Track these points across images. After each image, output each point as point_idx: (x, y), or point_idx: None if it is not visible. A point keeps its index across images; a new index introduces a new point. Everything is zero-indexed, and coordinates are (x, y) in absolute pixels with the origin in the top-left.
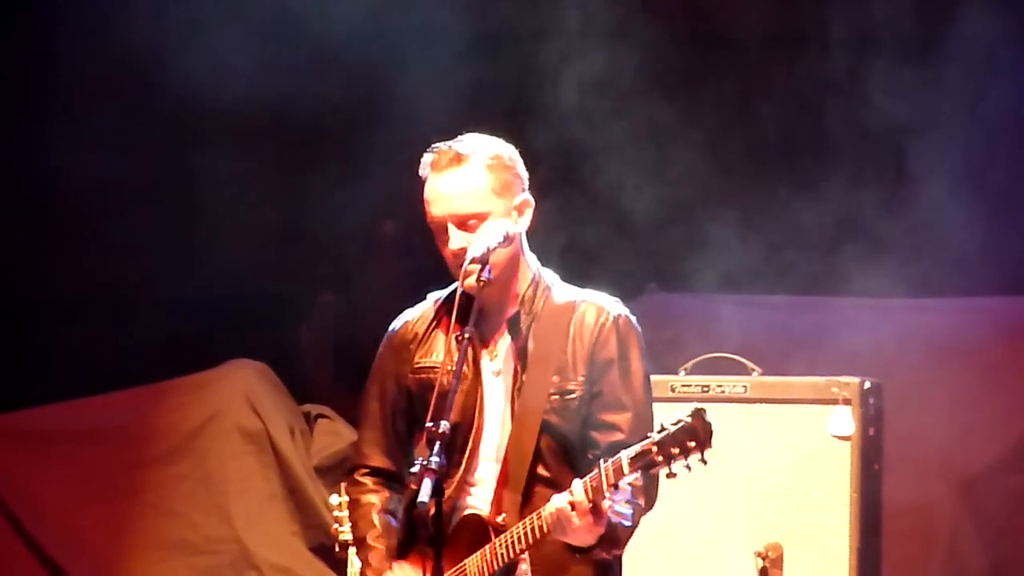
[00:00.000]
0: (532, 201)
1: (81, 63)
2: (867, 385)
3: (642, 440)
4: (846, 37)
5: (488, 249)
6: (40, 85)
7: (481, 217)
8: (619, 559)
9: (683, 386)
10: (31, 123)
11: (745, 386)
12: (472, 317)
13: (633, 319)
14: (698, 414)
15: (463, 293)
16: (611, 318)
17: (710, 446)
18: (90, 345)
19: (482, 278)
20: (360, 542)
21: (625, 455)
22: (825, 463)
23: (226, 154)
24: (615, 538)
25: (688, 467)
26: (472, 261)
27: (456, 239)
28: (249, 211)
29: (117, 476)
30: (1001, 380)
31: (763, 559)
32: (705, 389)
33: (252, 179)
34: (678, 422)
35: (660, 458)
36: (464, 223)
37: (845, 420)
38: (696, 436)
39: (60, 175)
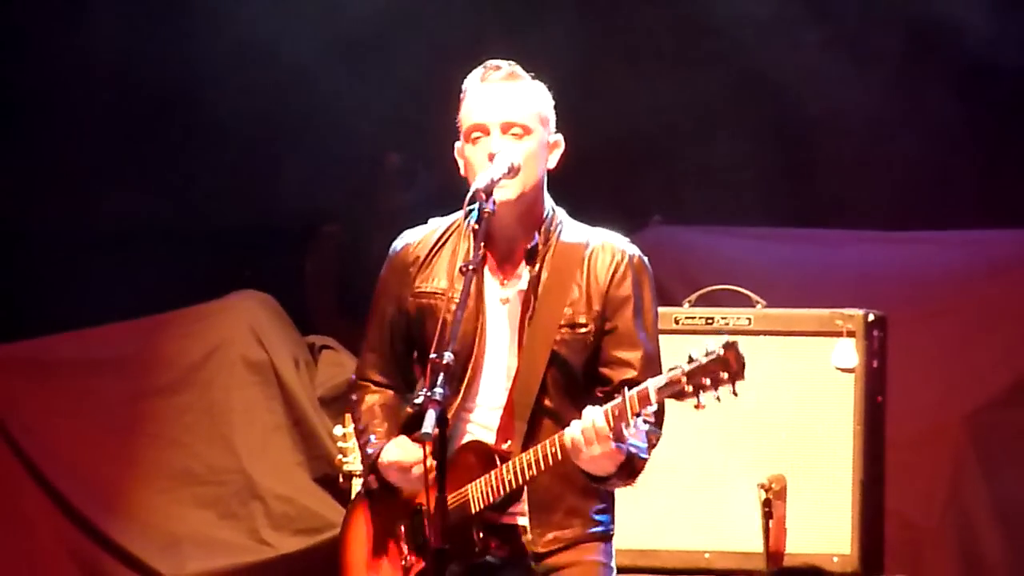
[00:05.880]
0: (563, 144)
1: None
2: (871, 317)
3: (670, 370)
4: None
5: (514, 166)
6: None
7: (526, 130)
8: (612, 493)
9: (687, 318)
10: None
11: (749, 318)
12: (475, 250)
13: (646, 259)
14: (731, 346)
15: (476, 224)
16: (627, 257)
17: (743, 377)
18: (96, 278)
19: (486, 208)
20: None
21: (652, 384)
22: (829, 395)
23: (231, 87)
24: (632, 468)
25: (718, 398)
26: (510, 170)
27: (497, 142)
28: (255, 141)
29: (121, 407)
30: (1003, 314)
31: (767, 491)
32: (709, 321)
33: (257, 111)
34: (710, 353)
35: (689, 388)
36: (508, 130)
37: (849, 352)
38: (729, 367)
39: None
